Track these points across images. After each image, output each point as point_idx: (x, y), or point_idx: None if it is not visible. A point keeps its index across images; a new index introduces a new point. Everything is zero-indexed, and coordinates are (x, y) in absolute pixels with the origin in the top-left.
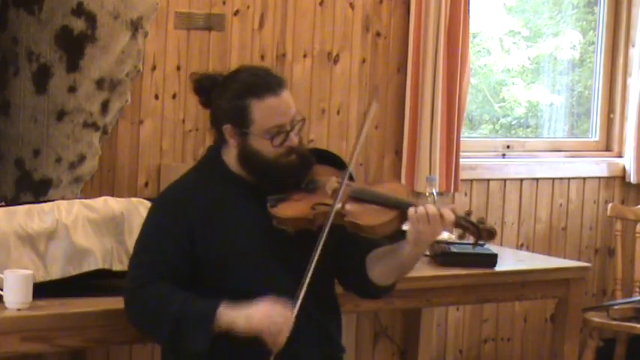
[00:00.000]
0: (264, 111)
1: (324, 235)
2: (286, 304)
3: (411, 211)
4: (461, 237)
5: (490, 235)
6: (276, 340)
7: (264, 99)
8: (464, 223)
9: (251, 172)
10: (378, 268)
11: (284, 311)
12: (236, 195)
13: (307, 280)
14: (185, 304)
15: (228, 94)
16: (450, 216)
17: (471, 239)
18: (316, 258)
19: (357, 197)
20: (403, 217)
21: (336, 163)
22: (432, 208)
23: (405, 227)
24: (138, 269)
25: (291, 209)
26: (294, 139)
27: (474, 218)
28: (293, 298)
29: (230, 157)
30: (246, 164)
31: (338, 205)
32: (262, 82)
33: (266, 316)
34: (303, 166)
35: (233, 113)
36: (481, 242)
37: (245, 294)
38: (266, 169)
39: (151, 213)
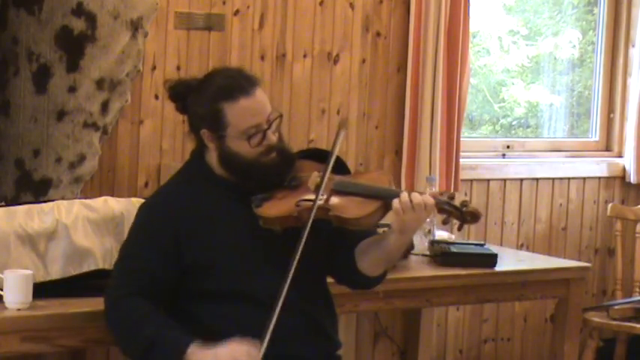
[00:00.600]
0: (238, 113)
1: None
2: (253, 343)
3: (394, 201)
4: (445, 222)
5: (474, 217)
6: None
7: (237, 101)
8: (446, 207)
9: (233, 173)
10: (367, 259)
11: (250, 351)
12: (221, 197)
13: (278, 309)
14: (160, 332)
15: (202, 99)
16: (430, 201)
17: (455, 222)
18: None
19: (340, 190)
20: (387, 207)
21: (321, 157)
22: (414, 196)
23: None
24: (121, 277)
25: (275, 208)
26: (271, 138)
27: (457, 202)
28: (260, 337)
29: (212, 159)
30: (227, 166)
31: (321, 201)
32: (234, 83)
33: (232, 356)
34: (285, 163)
35: (208, 118)
36: (465, 225)
37: (234, 295)
38: (247, 170)
39: (137, 219)
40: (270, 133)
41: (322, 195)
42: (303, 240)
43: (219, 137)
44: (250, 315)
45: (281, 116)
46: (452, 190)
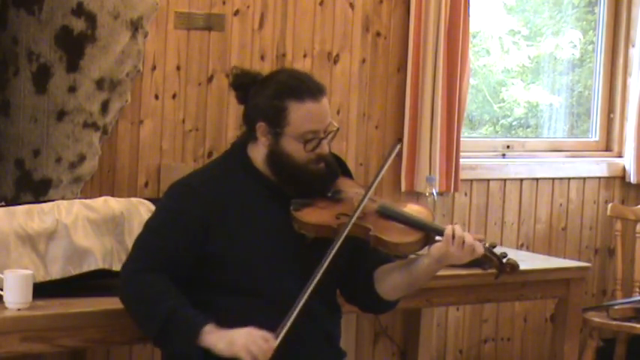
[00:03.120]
0: (302, 114)
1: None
2: (270, 335)
3: (448, 230)
4: (484, 268)
5: (513, 269)
6: None
7: (304, 102)
8: (489, 255)
9: (278, 173)
10: (389, 282)
11: (265, 343)
12: (257, 192)
13: (297, 310)
14: (177, 308)
15: (267, 92)
16: (480, 250)
17: (492, 271)
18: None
19: (385, 213)
20: (427, 241)
21: (346, 171)
22: (467, 236)
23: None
24: (140, 251)
25: (315, 215)
26: (325, 147)
27: (497, 252)
28: (277, 328)
29: (257, 154)
30: (274, 165)
31: (363, 219)
32: (304, 85)
33: (246, 344)
34: (331, 176)
35: (270, 112)
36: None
37: (250, 293)
38: (294, 173)
39: (168, 197)
40: (325, 142)
41: (364, 213)
42: (334, 251)
43: (275, 133)
44: (263, 314)
45: (338, 130)
46: (452, 191)
